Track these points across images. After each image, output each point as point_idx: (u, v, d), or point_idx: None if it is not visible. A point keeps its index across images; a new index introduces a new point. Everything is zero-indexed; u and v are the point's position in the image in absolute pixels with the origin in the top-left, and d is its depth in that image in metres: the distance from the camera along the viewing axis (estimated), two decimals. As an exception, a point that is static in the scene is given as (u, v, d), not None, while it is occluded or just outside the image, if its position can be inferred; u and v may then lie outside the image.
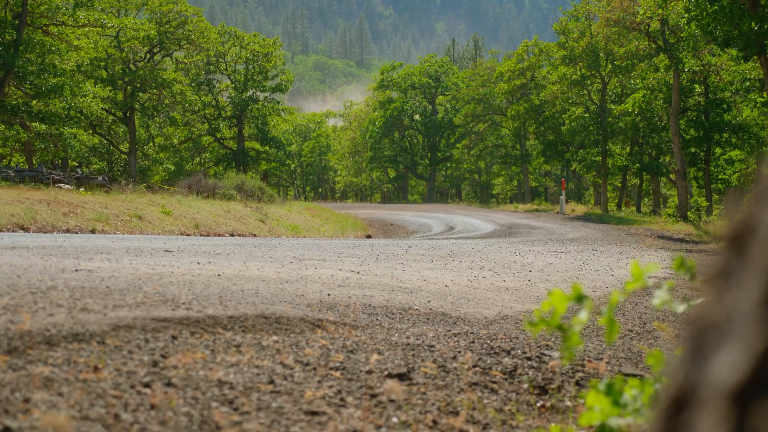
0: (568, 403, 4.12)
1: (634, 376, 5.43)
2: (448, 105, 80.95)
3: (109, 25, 39.59)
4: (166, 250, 11.17)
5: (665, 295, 1.82)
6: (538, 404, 4.05)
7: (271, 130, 60.76)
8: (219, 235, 21.98)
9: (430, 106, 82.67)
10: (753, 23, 24.98)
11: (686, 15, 27.78)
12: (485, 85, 68.34)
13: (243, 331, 4.70)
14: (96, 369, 3.44)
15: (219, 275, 7.75)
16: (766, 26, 25.11)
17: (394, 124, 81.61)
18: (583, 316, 1.84)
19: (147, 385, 3.33)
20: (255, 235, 23.47)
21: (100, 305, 4.90)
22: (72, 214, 19.65)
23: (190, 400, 3.24)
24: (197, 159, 64.33)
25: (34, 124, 37.02)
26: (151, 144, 54.69)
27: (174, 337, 4.24)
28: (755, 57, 27.05)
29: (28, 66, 35.25)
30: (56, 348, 3.73)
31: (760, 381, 0.77)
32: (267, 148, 59.00)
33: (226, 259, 10.33)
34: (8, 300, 4.79)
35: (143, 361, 3.69)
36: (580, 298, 1.86)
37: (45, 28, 36.22)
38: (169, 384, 3.39)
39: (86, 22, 37.02)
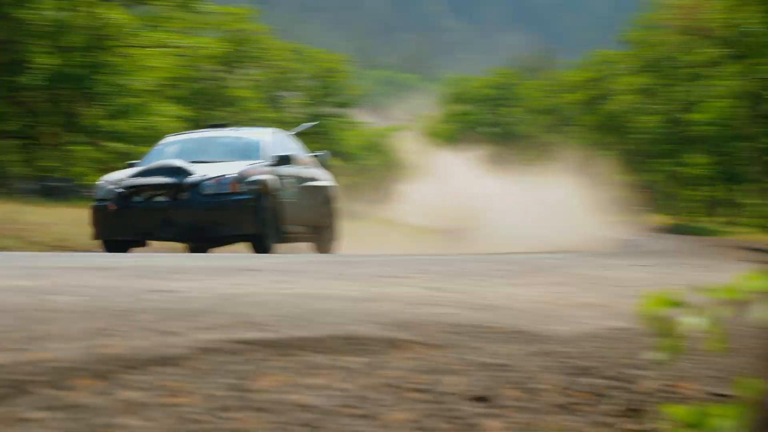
0: (659, 427, 3.94)
1: (726, 396, 5.20)
2: (518, 116, 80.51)
3: (181, 45, 40.35)
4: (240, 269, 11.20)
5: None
6: (627, 428, 3.88)
7: (342, 145, 61.16)
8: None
9: (500, 118, 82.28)
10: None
11: (762, 20, 27.17)
12: (555, 95, 67.89)
13: (320, 352, 4.62)
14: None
15: (293, 293, 7.71)
16: None
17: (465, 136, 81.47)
18: (694, 319, 1.78)
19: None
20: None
21: (183, 327, 4.87)
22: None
23: (271, 424, 3.15)
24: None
25: (110, 144, 37.79)
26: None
27: (249, 360, 4.18)
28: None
29: (101, 87, 36.08)
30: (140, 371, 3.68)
31: None
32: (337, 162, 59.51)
33: (301, 276, 10.32)
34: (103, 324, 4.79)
35: (227, 384, 3.63)
36: (677, 304, 1.81)
37: (117, 50, 37.01)
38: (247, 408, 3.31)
39: (159, 43, 37.77)
